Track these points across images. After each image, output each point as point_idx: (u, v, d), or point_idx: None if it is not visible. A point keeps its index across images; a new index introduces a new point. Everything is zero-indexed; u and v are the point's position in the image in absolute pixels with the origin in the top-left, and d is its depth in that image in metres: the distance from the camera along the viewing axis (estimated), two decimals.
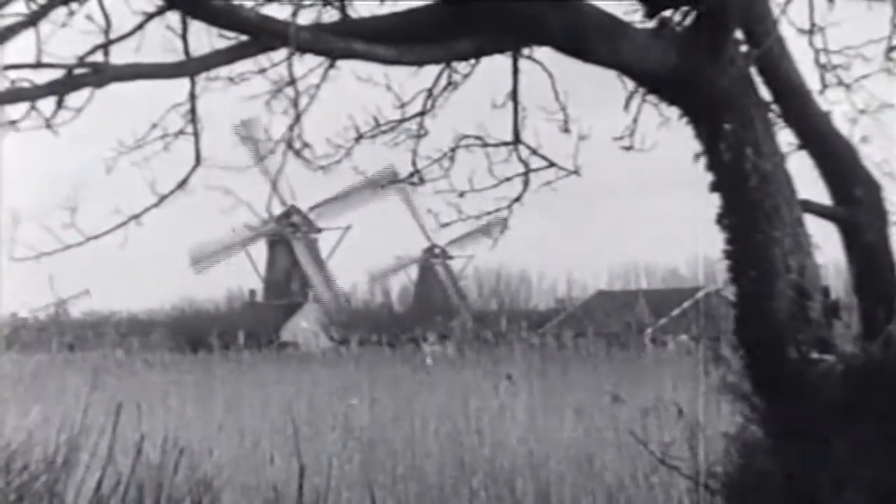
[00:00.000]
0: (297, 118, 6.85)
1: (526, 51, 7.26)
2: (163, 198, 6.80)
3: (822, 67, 7.41)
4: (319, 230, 72.17)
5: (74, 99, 6.12)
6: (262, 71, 6.73)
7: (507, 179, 7.72)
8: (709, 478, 7.34)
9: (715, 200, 6.53)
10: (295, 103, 6.71)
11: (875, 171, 6.93)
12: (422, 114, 7.69)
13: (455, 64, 7.41)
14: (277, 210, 69.06)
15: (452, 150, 7.74)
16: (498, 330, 21.42)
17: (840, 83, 7.39)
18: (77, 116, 6.12)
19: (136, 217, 6.75)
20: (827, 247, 6.67)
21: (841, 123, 7.04)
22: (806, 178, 6.78)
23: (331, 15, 6.81)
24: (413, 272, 76.06)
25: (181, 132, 6.83)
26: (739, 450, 6.57)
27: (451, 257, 74.69)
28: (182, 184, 6.86)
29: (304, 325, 58.82)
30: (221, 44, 6.30)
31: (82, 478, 8.15)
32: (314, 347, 36.13)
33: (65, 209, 6.54)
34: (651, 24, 6.53)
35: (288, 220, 70.89)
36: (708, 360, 11.90)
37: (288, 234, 71.58)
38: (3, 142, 6.26)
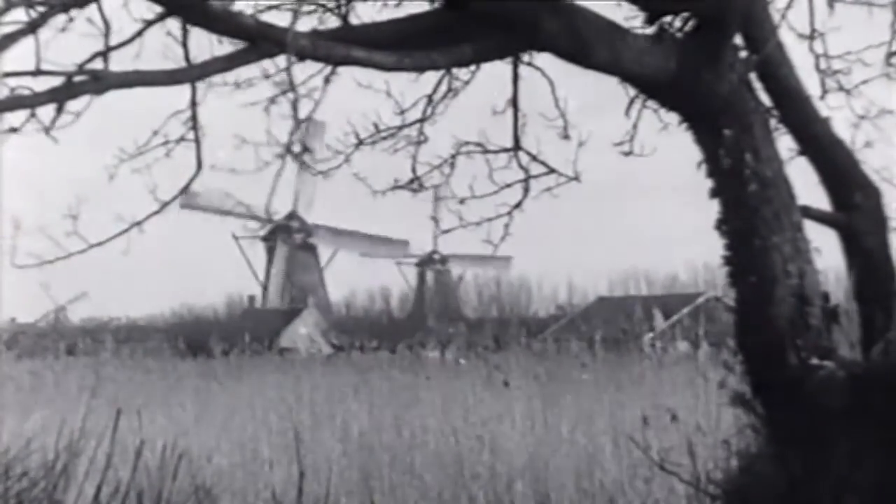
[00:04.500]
0: (297, 124, 6.83)
1: (526, 57, 7.25)
2: (165, 204, 6.81)
3: (822, 73, 7.41)
4: (319, 231, 71.99)
5: (74, 106, 6.13)
6: (267, 77, 6.74)
7: (508, 186, 7.72)
8: (709, 483, 7.32)
9: (715, 206, 6.53)
10: (294, 108, 6.70)
11: (874, 177, 6.93)
12: (422, 120, 7.68)
13: (455, 70, 7.41)
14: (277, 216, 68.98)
15: (452, 156, 7.74)
16: (498, 336, 21.39)
17: (840, 88, 7.38)
18: (76, 121, 6.12)
19: (138, 224, 6.75)
20: (827, 252, 6.67)
21: (841, 129, 7.04)
22: (805, 184, 6.78)
23: (331, 21, 6.82)
24: (412, 278, 75.97)
25: (182, 139, 6.84)
26: (739, 455, 6.57)
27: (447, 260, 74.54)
28: (184, 190, 6.87)
29: (303, 331, 58.76)
30: (221, 51, 6.30)
31: (81, 484, 8.14)
32: (314, 353, 36.09)
33: (67, 217, 6.54)
34: (651, 30, 6.53)
35: (288, 225, 70.78)
36: (708, 366, 11.91)
37: (286, 240, 71.49)
38: (4, 149, 6.26)
